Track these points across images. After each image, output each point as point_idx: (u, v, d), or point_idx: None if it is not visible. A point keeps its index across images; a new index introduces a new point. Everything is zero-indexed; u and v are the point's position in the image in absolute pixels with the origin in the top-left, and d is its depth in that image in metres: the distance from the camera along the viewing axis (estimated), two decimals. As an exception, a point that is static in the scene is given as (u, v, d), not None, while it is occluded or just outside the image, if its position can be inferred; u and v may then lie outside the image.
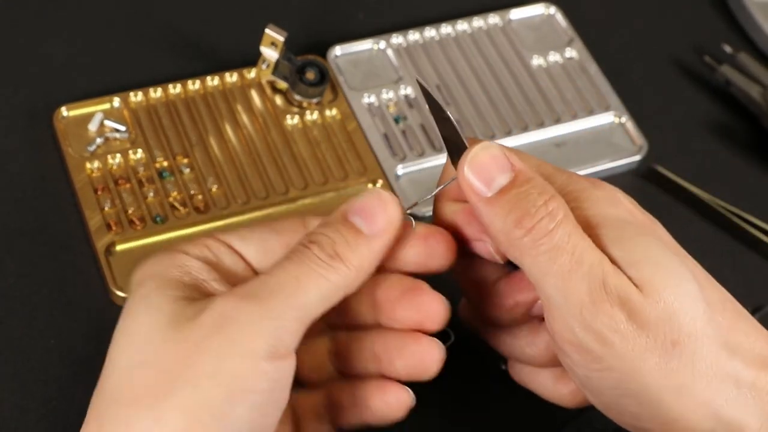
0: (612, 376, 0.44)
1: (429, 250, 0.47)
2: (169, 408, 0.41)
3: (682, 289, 0.44)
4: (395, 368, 0.47)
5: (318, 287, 0.43)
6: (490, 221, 0.44)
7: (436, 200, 0.49)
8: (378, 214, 0.45)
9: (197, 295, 0.43)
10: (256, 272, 0.46)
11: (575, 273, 0.43)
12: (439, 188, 0.48)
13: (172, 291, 0.43)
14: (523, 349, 0.50)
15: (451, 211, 0.48)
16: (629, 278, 0.43)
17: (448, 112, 0.47)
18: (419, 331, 0.47)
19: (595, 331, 0.43)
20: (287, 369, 0.43)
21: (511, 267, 0.48)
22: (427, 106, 0.69)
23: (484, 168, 0.45)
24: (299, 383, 0.47)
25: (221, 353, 0.41)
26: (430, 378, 0.47)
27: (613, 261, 0.44)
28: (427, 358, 0.47)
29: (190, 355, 0.41)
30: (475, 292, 0.50)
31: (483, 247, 0.48)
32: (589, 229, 0.44)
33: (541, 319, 0.48)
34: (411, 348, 0.47)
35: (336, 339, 0.49)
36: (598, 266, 0.43)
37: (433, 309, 0.47)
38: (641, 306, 0.43)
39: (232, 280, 0.45)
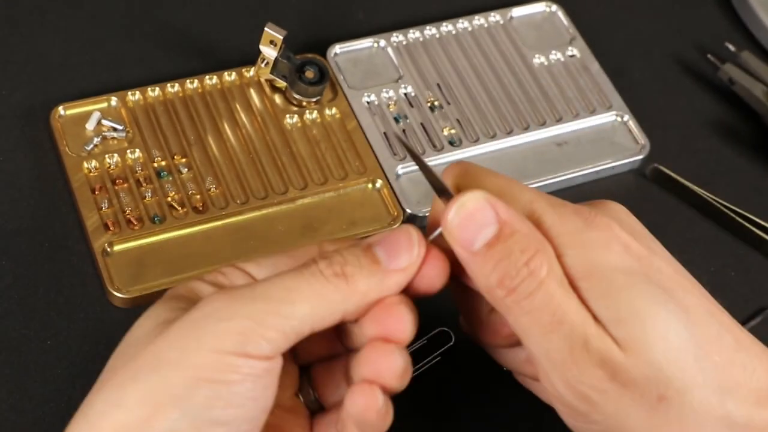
0: (598, 429, 0.44)
1: (421, 274, 0.46)
2: (131, 389, 0.42)
3: (670, 343, 0.43)
4: (358, 375, 0.45)
5: (310, 302, 0.43)
6: (475, 276, 0.44)
7: (429, 227, 0.47)
8: (403, 252, 0.45)
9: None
10: None
11: (556, 333, 0.43)
12: (431, 237, 0.46)
13: (176, 303, 0.44)
14: (523, 367, 0.49)
15: (442, 247, 0.46)
16: (613, 337, 0.43)
17: (427, 164, 0.47)
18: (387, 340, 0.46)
19: (577, 390, 0.43)
20: (265, 368, 0.42)
21: None
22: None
23: (468, 221, 0.44)
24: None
25: (188, 345, 0.42)
26: (397, 388, 0.45)
27: (597, 318, 0.43)
28: (384, 368, 0.45)
29: (161, 346, 0.42)
30: (471, 317, 0.50)
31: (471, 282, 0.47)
32: (576, 281, 0.44)
33: None
34: (371, 356, 0.45)
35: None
36: (580, 326, 0.43)
37: (399, 327, 0.45)
38: (624, 366, 0.43)
39: None
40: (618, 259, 0.44)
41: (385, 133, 0.67)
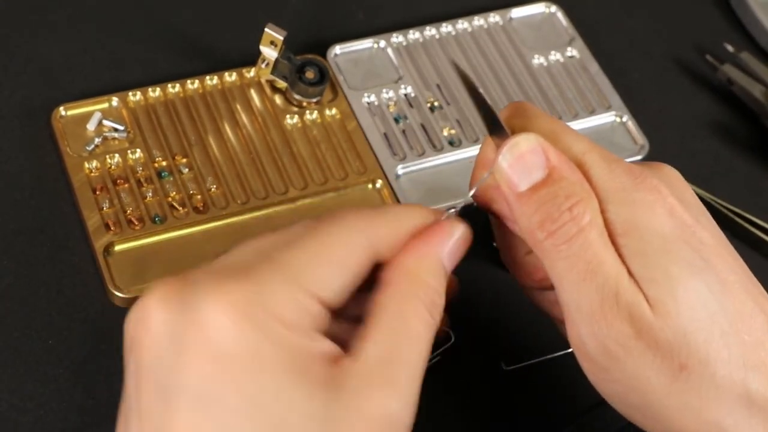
0: (617, 387, 0.44)
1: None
2: None
3: (698, 313, 0.43)
4: None
5: (426, 359, 0.43)
6: (518, 217, 0.45)
7: (475, 170, 0.48)
8: (460, 255, 0.46)
9: (320, 377, 0.41)
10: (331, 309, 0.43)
11: (589, 282, 0.43)
12: (476, 186, 0.47)
13: (306, 385, 0.40)
14: (553, 309, 0.50)
15: (488, 185, 0.48)
16: (645, 295, 0.43)
17: (486, 97, 0.47)
18: None
19: (602, 342, 0.43)
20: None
21: None
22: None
23: (519, 162, 0.45)
24: None
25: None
26: None
27: (631, 275, 0.44)
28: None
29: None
30: (508, 256, 0.50)
31: (513, 224, 0.48)
32: (615, 236, 0.44)
33: None
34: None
35: None
36: (613, 279, 0.43)
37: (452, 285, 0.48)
38: (651, 326, 0.43)
39: (321, 329, 0.43)
40: (661, 222, 0.44)
41: (385, 134, 0.67)
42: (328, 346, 0.42)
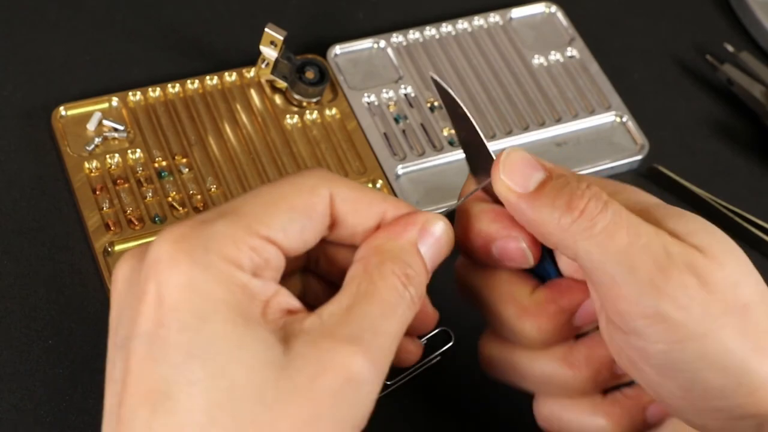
0: (693, 346, 0.42)
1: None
2: None
3: (739, 258, 0.43)
4: None
5: (402, 329, 0.42)
6: (538, 214, 0.44)
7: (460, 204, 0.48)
8: (442, 255, 0.45)
9: (280, 328, 0.40)
10: (287, 255, 0.42)
11: (636, 245, 0.42)
12: (463, 199, 0.47)
13: (260, 331, 0.39)
14: (556, 372, 0.47)
15: (478, 210, 0.47)
16: (691, 244, 0.43)
17: (467, 112, 0.47)
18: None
19: (671, 296, 0.42)
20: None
21: (539, 272, 0.47)
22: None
23: (518, 169, 0.44)
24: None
25: (343, 424, 0.39)
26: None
27: (669, 233, 0.43)
28: (414, 356, 0.47)
29: (313, 423, 0.38)
30: (505, 311, 0.47)
31: (512, 246, 0.46)
32: (635, 212, 0.43)
33: (578, 334, 0.47)
34: (407, 348, 0.46)
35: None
36: (656, 237, 0.42)
37: (431, 319, 0.46)
38: (708, 270, 0.42)
39: (277, 277, 0.42)
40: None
41: (385, 134, 0.67)
42: (286, 295, 0.41)
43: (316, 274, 0.47)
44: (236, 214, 0.41)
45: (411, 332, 0.45)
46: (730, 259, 0.43)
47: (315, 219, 0.42)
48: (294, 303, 0.41)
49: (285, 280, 0.43)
